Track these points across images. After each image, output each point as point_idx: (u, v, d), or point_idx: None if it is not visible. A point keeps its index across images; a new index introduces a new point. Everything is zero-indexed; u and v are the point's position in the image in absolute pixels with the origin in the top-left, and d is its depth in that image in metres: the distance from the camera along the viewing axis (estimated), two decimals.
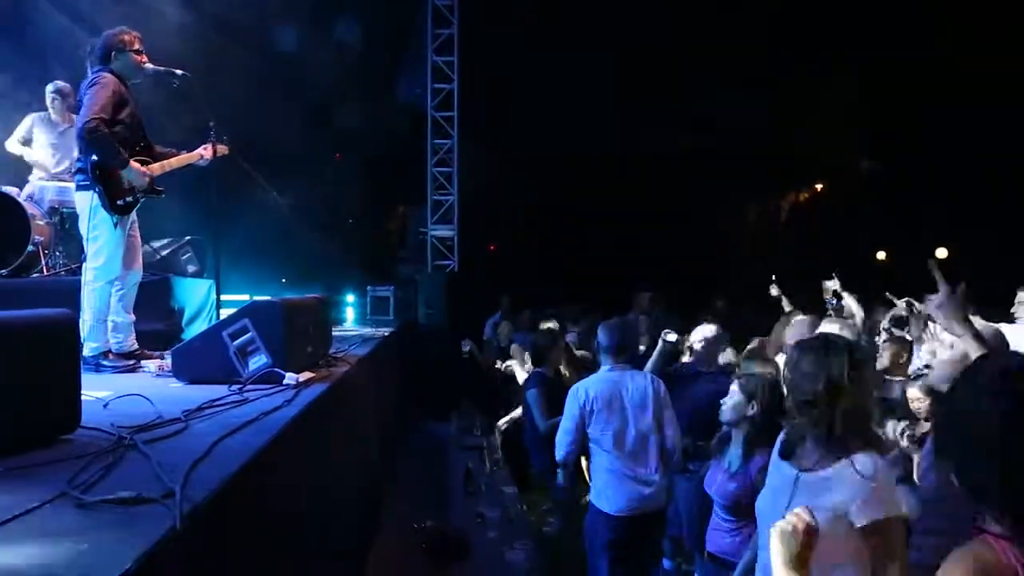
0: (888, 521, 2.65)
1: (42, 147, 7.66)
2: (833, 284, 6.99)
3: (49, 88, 7.59)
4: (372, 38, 13.99)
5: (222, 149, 5.78)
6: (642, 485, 5.12)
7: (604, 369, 5.35)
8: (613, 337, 5.33)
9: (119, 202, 5.23)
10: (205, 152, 5.76)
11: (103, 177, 5.17)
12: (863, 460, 2.71)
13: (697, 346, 5.84)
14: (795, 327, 5.52)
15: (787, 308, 6.48)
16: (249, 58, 11.01)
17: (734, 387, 4.36)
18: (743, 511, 4.14)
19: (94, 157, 5.14)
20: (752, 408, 4.24)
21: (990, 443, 1.77)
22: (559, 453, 5.35)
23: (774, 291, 6.65)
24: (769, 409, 4.10)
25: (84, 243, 5.37)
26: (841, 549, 2.65)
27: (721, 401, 4.40)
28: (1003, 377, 1.80)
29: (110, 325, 5.37)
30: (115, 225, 5.22)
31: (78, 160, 5.40)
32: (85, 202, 5.26)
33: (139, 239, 5.64)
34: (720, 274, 16.99)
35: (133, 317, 5.52)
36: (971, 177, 17.35)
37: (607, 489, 5.18)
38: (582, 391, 5.26)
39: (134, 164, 5.27)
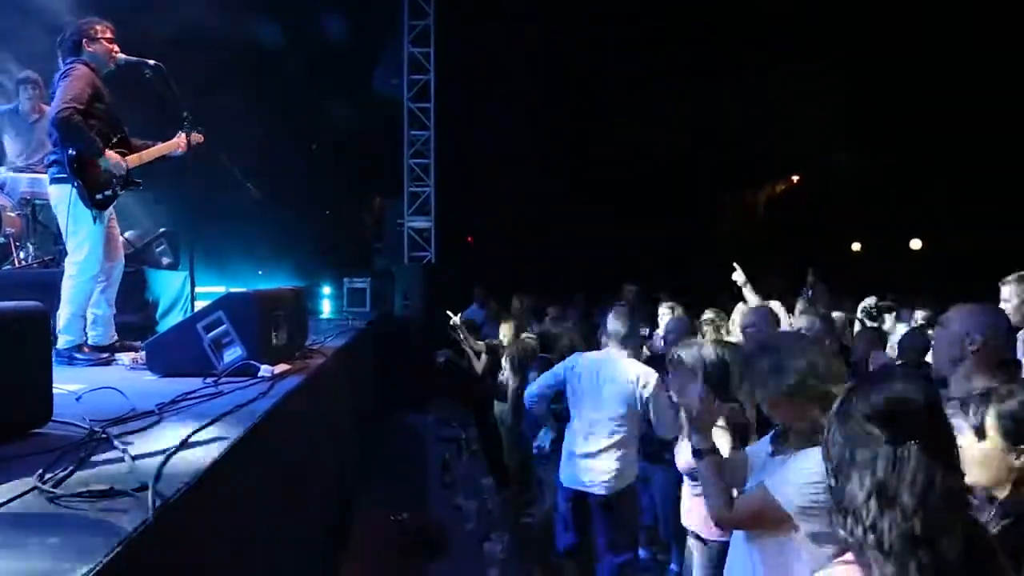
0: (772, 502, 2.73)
1: (12, 139, 7.56)
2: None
3: (19, 78, 7.48)
4: (349, 29, 13.92)
5: (197, 138, 5.73)
6: (587, 466, 5.30)
7: (606, 351, 5.53)
8: (617, 323, 5.49)
9: (98, 196, 5.17)
10: (180, 141, 5.70)
11: (81, 171, 5.10)
12: (805, 454, 2.75)
13: (670, 337, 5.88)
14: (749, 314, 5.54)
15: (750, 297, 6.37)
16: (224, 48, 10.92)
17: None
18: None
19: (71, 150, 5.07)
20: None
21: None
22: (527, 396, 5.82)
23: (739, 278, 6.45)
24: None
25: (64, 237, 5.30)
26: (779, 526, 2.74)
27: None
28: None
29: (90, 318, 5.32)
30: (94, 220, 5.17)
31: (53, 152, 5.29)
32: (61, 194, 5.18)
33: (117, 230, 5.60)
34: (696, 266, 17.05)
35: (114, 310, 5.49)
36: (946, 170, 17.51)
37: (564, 461, 5.46)
38: (576, 359, 5.56)
39: (109, 153, 5.22)
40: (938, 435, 1.77)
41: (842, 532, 1.79)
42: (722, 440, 3.70)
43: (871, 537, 1.70)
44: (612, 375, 5.29)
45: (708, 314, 6.40)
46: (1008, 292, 4.71)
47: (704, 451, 3.06)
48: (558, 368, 5.62)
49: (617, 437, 5.23)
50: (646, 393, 5.18)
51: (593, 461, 5.27)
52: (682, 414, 3.93)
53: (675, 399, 3.27)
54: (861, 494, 1.74)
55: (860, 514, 1.73)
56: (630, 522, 5.62)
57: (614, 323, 5.47)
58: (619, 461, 5.24)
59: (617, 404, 5.23)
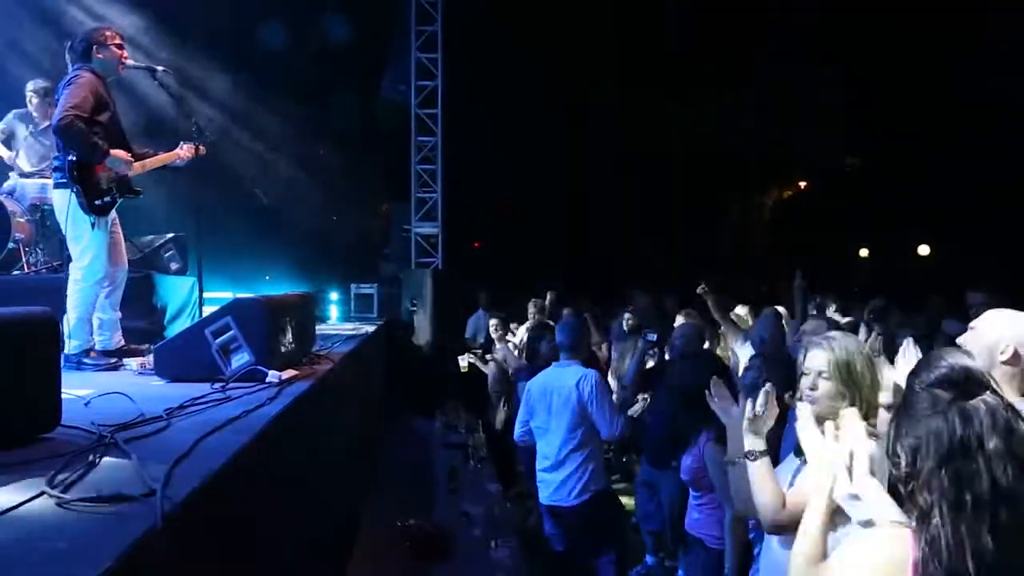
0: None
1: (22, 145, 7.61)
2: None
3: (29, 86, 7.54)
4: (356, 35, 13.95)
5: (201, 150, 5.75)
6: (552, 479, 5.40)
7: (553, 364, 5.64)
8: (564, 335, 5.58)
9: (97, 202, 5.18)
10: (182, 152, 5.73)
11: (80, 177, 5.12)
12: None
13: (678, 342, 5.87)
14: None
15: (715, 315, 6.39)
16: (231, 54, 10.97)
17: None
18: (701, 484, 4.33)
19: (72, 156, 5.09)
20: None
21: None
22: (517, 436, 5.84)
23: (703, 292, 6.43)
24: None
25: (66, 242, 5.34)
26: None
27: None
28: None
29: (96, 323, 5.34)
30: (92, 225, 5.18)
31: (56, 158, 5.33)
32: (62, 200, 5.21)
33: (121, 235, 5.61)
34: (704, 272, 17.00)
35: (119, 314, 5.50)
36: (954, 176, 17.47)
37: (537, 480, 5.58)
38: (528, 384, 5.70)
39: (115, 152, 5.24)
40: (999, 394, 1.79)
41: (915, 508, 1.77)
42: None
43: (945, 504, 1.69)
44: (556, 386, 5.39)
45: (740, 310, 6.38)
46: (985, 297, 4.62)
47: (758, 453, 3.01)
48: (523, 399, 5.73)
49: (573, 445, 5.29)
50: (586, 394, 5.24)
51: (556, 475, 5.35)
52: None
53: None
54: (936, 460, 1.73)
55: (934, 482, 1.72)
56: (607, 524, 5.65)
57: (560, 335, 5.61)
58: (581, 469, 5.29)
59: (566, 413, 5.29)
